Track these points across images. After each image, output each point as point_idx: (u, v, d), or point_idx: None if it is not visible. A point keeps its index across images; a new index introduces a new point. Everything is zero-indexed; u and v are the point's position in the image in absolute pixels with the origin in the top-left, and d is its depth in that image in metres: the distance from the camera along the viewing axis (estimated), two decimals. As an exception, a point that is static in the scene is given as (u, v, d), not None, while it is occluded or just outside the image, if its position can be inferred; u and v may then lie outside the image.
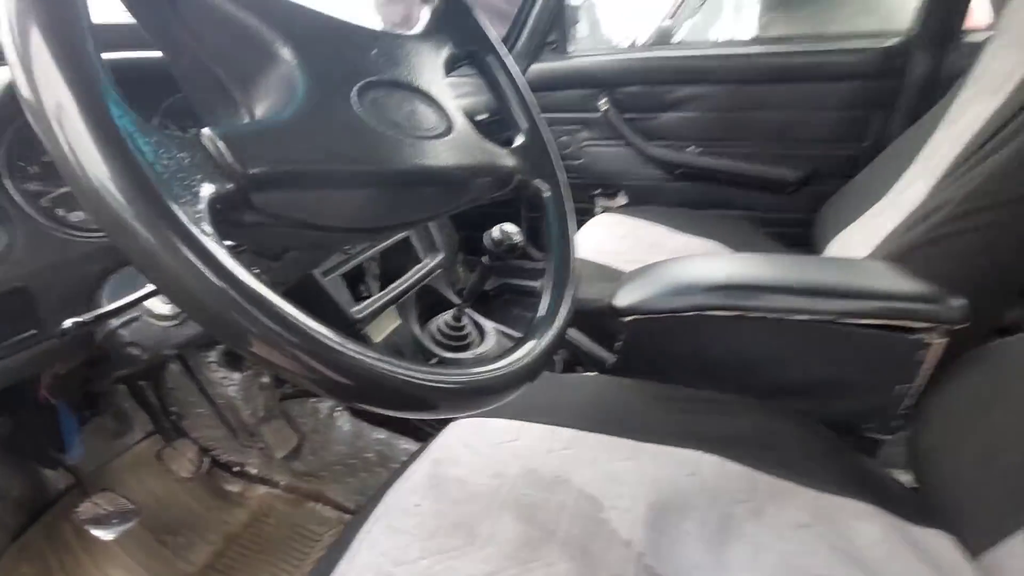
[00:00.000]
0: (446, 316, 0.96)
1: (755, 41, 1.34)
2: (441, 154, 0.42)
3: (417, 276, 0.95)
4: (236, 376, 0.92)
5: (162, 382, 0.90)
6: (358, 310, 0.82)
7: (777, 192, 1.31)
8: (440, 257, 1.01)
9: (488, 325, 0.99)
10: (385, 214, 0.43)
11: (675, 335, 0.67)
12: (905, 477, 0.63)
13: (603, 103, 1.37)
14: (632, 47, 1.51)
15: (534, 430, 0.60)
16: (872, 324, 0.58)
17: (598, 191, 1.52)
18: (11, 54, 0.23)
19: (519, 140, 0.55)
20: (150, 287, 0.44)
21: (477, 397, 0.34)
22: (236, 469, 0.96)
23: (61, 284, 0.46)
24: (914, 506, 0.56)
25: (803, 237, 1.18)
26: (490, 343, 0.97)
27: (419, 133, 0.40)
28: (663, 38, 2.46)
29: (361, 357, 0.28)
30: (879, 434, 0.63)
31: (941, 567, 0.49)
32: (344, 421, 0.94)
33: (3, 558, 0.73)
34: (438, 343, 0.95)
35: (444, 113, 0.44)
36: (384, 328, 0.90)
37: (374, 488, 0.58)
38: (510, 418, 0.61)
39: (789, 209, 1.31)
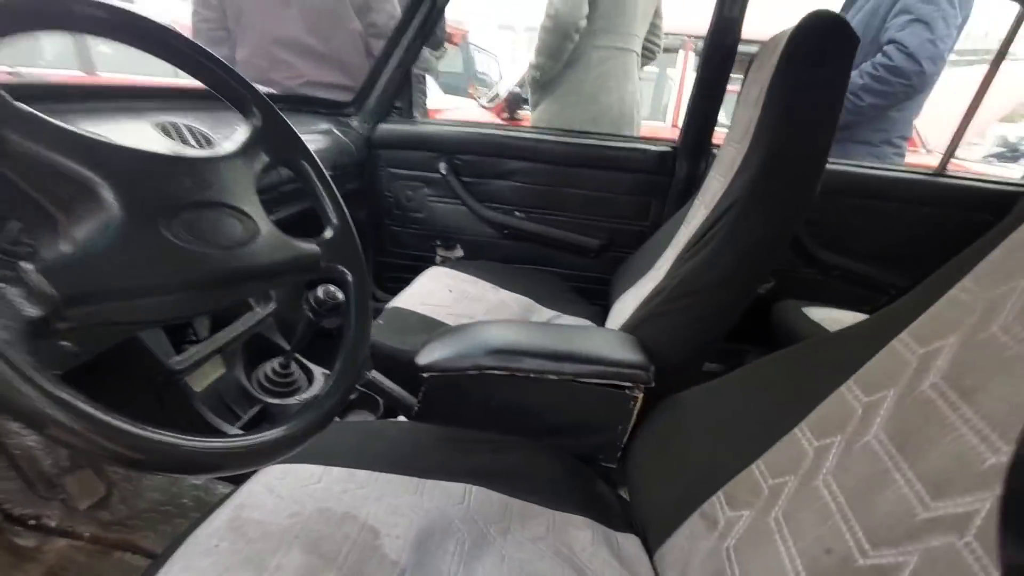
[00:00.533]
0: (273, 363, 1.03)
1: (567, 132, 1.60)
2: (247, 258, 0.53)
3: (247, 326, 1.01)
4: (26, 432, 0.90)
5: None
6: (178, 360, 0.86)
7: (583, 255, 1.58)
8: (272, 307, 1.07)
9: (317, 370, 1.08)
10: (201, 306, 0.53)
11: (463, 388, 0.83)
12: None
13: (443, 167, 1.54)
14: (467, 122, 1.70)
15: (335, 472, 0.70)
16: (598, 382, 0.79)
17: (438, 242, 1.67)
18: None
19: (329, 233, 0.67)
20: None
21: (247, 459, 0.45)
22: (32, 523, 0.92)
23: None
24: (621, 517, 0.76)
25: (601, 293, 1.44)
26: (317, 387, 1.06)
27: (226, 243, 0.51)
28: (515, 101, 2.75)
29: (148, 434, 0.38)
30: (608, 463, 0.84)
31: (629, 563, 0.69)
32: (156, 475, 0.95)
33: None
34: (264, 389, 1.01)
35: (251, 222, 0.55)
36: (208, 376, 0.94)
37: (181, 532, 0.64)
38: (316, 463, 0.71)
39: (592, 270, 1.58)
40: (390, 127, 1.55)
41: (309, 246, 0.63)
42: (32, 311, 0.35)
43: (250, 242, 0.54)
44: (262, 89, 0.79)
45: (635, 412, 0.80)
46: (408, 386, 1.01)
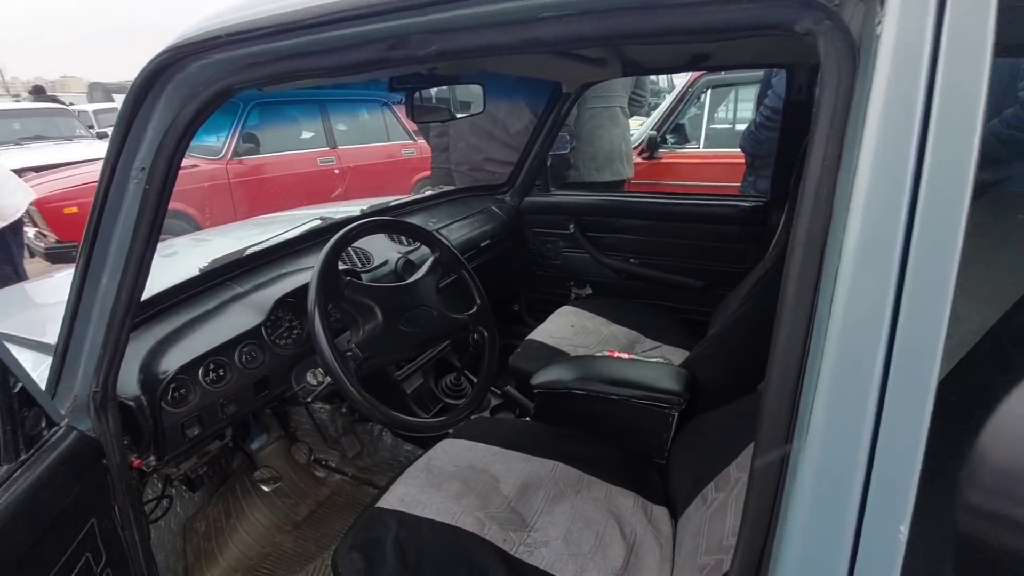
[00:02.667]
0: (450, 376, 1.60)
1: (669, 195, 1.93)
2: (435, 330, 1.06)
3: (434, 354, 1.59)
4: (327, 407, 1.58)
5: (287, 413, 1.57)
6: (399, 375, 1.46)
7: (688, 293, 1.89)
8: (446, 344, 1.65)
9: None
10: (416, 355, 1.08)
11: (559, 400, 1.27)
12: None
13: (572, 226, 1.99)
14: (590, 193, 2.13)
15: (480, 446, 1.20)
16: (644, 403, 1.17)
17: (572, 283, 2.13)
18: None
19: (474, 309, 1.18)
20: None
21: (434, 430, 0.97)
22: (323, 462, 1.62)
23: (276, 372, 1.12)
24: (659, 494, 1.13)
25: (702, 325, 1.74)
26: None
27: (424, 325, 1.05)
28: (652, 144, 3.08)
29: (394, 413, 0.92)
30: (659, 459, 1.21)
31: (656, 524, 1.06)
32: (388, 438, 1.58)
33: (208, 503, 1.39)
34: (445, 393, 1.58)
35: (435, 312, 1.08)
36: (414, 384, 1.54)
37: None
38: (471, 440, 1.22)
39: (696, 304, 1.88)
40: (533, 199, 2.06)
41: (462, 318, 1.15)
42: (358, 360, 0.91)
43: (434, 322, 1.07)
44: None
45: (674, 425, 1.16)
46: (530, 396, 1.49)
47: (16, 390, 0.64)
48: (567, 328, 1.74)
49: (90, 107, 10.61)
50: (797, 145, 1.61)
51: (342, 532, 1.46)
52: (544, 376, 1.29)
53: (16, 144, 5.62)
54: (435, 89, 1.33)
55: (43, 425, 0.69)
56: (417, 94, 1.28)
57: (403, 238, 1.53)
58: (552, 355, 1.59)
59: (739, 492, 0.87)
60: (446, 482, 1.09)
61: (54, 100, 8.29)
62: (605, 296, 2.05)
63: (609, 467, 1.17)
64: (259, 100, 4.35)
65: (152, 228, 0.67)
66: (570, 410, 1.28)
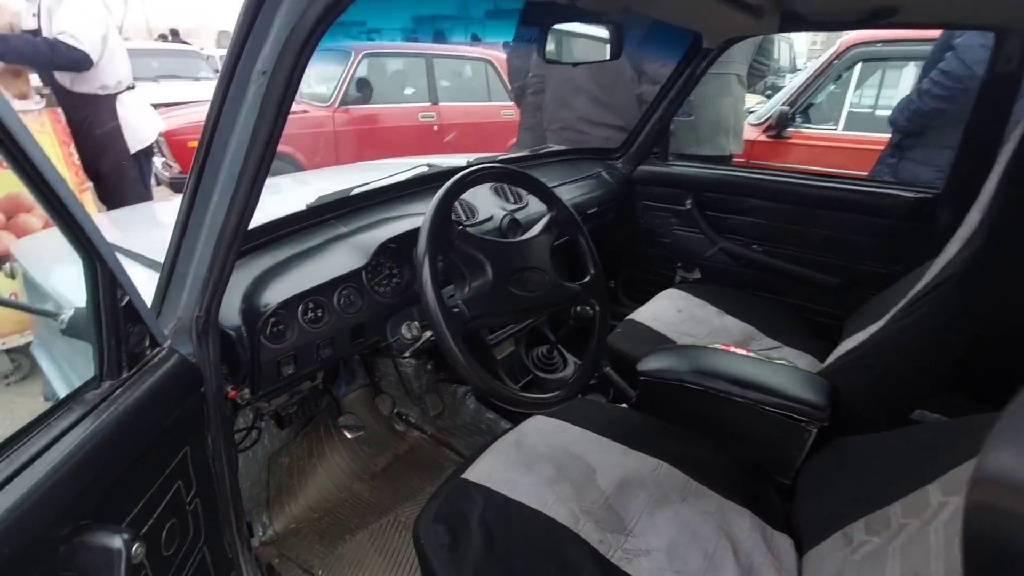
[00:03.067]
0: (543, 348, 1.49)
1: (812, 176, 1.67)
2: (543, 298, 0.95)
3: (528, 322, 1.49)
4: (413, 363, 1.54)
5: (373, 361, 1.54)
6: (491, 339, 1.38)
7: (818, 291, 1.65)
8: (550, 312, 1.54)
9: (571, 359, 1.51)
10: (522, 321, 0.97)
11: (668, 392, 1.13)
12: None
13: (689, 202, 1.80)
14: (714, 165, 1.90)
15: (575, 429, 1.10)
16: (776, 412, 1.00)
17: (679, 264, 1.94)
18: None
19: (587, 278, 1.06)
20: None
21: (532, 407, 0.87)
22: (404, 417, 1.59)
23: (373, 320, 1.06)
24: (780, 520, 0.97)
25: (833, 329, 1.51)
26: (569, 370, 1.49)
27: (534, 290, 0.94)
28: (782, 120, 2.77)
29: (491, 383, 0.82)
30: (783, 479, 1.04)
31: (777, 555, 0.91)
32: (471, 402, 1.52)
33: (293, 440, 1.40)
34: (535, 364, 1.48)
35: (546, 275, 0.97)
36: (505, 350, 1.45)
37: (483, 446, 1.12)
38: (563, 420, 1.12)
39: (826, 306, 1.64)
40: (647, 168, 1.88)
41: (574, 287, 1.02)
42: (464, 318, 0.82)
43: (545, 287, 0.96)
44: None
45: (809, 443, 0.99)
46: (630, 382, 1.35)
47: (123, 304, 0.59)
48: (673, 313, 1.58)
49: (217, 52, 11.36)
50: (995, 128, 1.31)
51: (417, 490, 1.43)
52: (653, 363, 1.15)
53: (153, 80, 6.07)
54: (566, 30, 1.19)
55: (146, 344, 0.66)
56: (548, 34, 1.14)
57: (510, 194, 1.42)
58: (656, 340, 1.44)
59: (906, 542, 0.70)
60: (537, 464, 1.00)
61: (184, 43, 8.92)
62: (716, 283, 1.85)
63: (721, 476, 1.02)
64: (369, 51, 4.38)
65: (268, 142, 0.59)
66: (679, 405, 1.14)
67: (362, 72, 4.34)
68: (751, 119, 3.15)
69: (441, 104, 4.68)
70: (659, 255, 1.97)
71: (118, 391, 0.60)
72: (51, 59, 2.13)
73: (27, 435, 0.52)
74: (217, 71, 8.39)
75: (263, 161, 0.61)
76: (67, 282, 1.06)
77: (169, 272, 0.68)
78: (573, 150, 1.87)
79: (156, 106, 4.36)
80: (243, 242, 0.85)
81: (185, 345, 0.72)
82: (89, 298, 0.57)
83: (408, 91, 4.67)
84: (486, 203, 1.35)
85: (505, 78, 5.02)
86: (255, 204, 0.66)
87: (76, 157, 2.20)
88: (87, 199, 2.30)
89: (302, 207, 1.09)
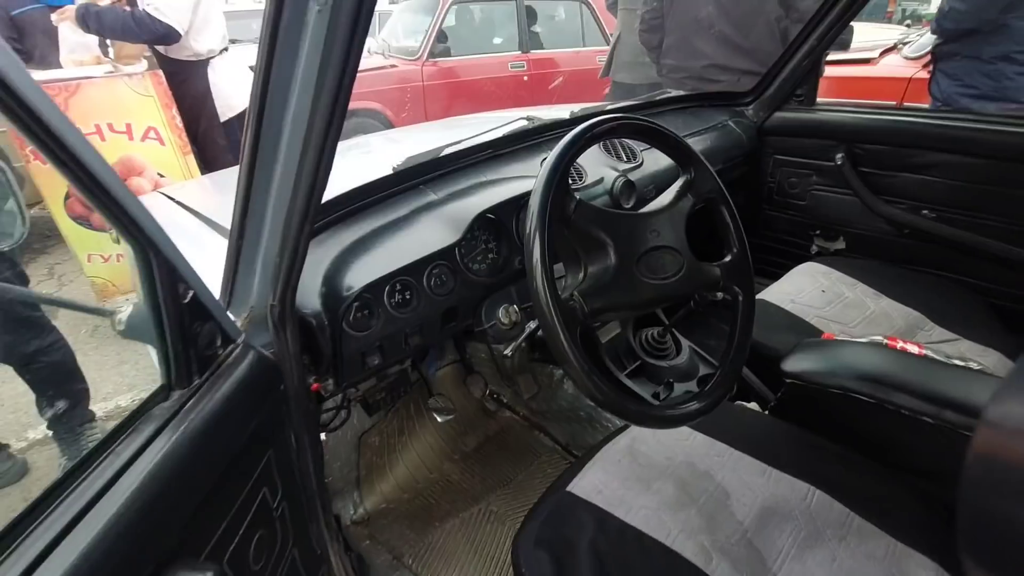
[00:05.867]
0: (653, 331, 1.29)
1: (1010, 117, 1.28)
2: (675, 286, 0.76)
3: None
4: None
5: (465, 340, 1.43)
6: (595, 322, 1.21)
7: (1013, 271, 1.29)
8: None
9: (685, 344, 1.30)
10: (641, 314, 0.79)
11: (824, 402, 0.91)
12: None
13: (839, 156, 1.47)
14: (878, 106, 1.53)
15: (699, 437, 0.92)
16: (985, 440, 0.75)
17: (817, 232, 1.63)
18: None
19: (728, 258, 0.85)
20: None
21: (656, 422, 0.69)
22: (496, 396, 1.48)
23: (465, 302, 0.93)
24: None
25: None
26: (683, 358, 1.29)
27: (664, 276, 0.75)
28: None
29: (614, 397, 0.66)
30: (981, 522, 0.80)
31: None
32: (569, 386, 1.37)
33: (384, 418, 1.33)
34: (644, 350, 1.29)
35: (680, 256, 0.77)
36: (610, 333, 1.28)
37: (579, 433, 0.95)
38: (688, 426, 0.94)
39: (1018, 288, 1.29)
40: (786, 115, 1.56)
41: (714, 270, 0.82)
42: (579, 312, 0.65)
43: (678, 273, 0.76)
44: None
45: None
46: (765, 379, 1.13)
47: (187, 300, 0.49)
48: (815, 293, 1.31)
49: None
50: None
51: (509, 477, 1.33)
52: (804, 362, 0.93)
53: (253, 42, 6.27)
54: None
55: (218, 343, 0.56)
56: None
57: (622, 150, 1.21)
58: (796, 327, 1.20)
59: None
60: (657, 480, 0.83)
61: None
62: (865, 256, 1.53)
63: (892, 512, 0.80)
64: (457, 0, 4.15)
65: (339, 90, 0.45)
66: (836, 417, 0.92)
67: (450, 22, 4.14)
68: (906, 52, 2.60)
69: (532, 53, 4.39)
70: (791, 220, 1.67)
71: (190, 401, 0.51)
72: (138, 33, 2.15)
73: (91, 463, 0.44)
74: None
75: (332, 119, 0.46)
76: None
77: (235, 258, 0.58)
78: (694, 96, 1.59)
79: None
80: (320, 215, 0.73)
81: (260, 337, 0.62)
82: (146, 296, 0.47)
83: (496, 40, 4.41)
84: (594, 163, 1.15)
85: (602, 18, 4.60)
86: (327, 172, 0.52)
87: (179, 120, 2.24)
88: (190, 163, 2.36)
89: (389, 171, 0.96)
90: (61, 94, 1.92)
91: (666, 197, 0.81)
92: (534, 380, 1.43)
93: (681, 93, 1.59)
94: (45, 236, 3.63)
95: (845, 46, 1.99)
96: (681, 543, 0.75)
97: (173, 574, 0.43)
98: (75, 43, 2.22)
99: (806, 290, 1.32)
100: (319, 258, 0.76)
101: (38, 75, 2.01)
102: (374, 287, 0.78)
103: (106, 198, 0.41)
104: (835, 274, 1.36)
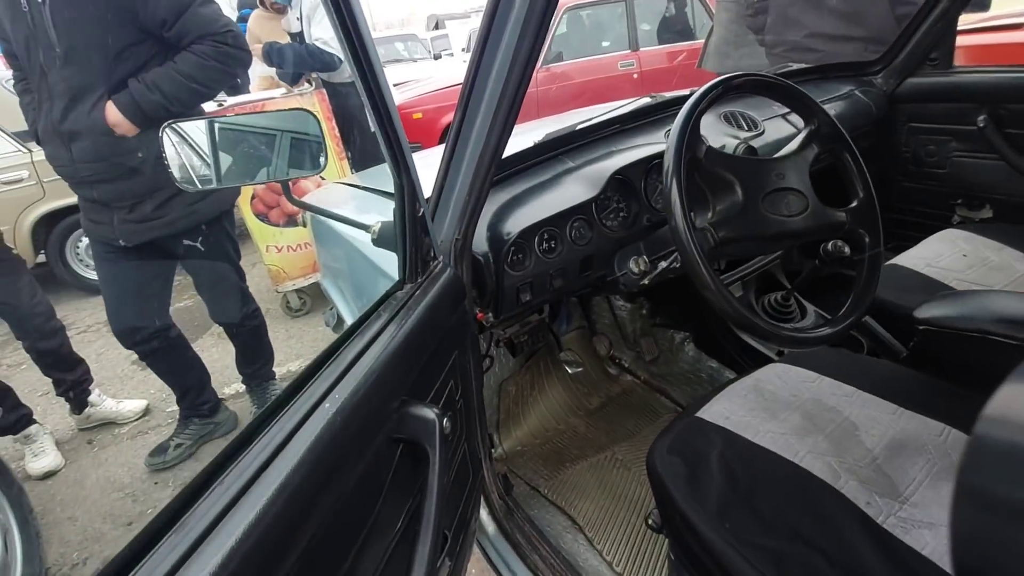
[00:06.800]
0: (777, 295, 1.33)
1: None
2: (799, 223, 0.83)
3: (760, 264, 1.34)
4: (628, 306, 1.52)
5: (589, 302, 1.56)
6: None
7: None
8: (778, 252, 1.37)
9: (810, 308, 1.32)
10: (769, 251, 0.87)
11: (959, 347, 0.91)
12: None
13: (981, 119, 1.40)
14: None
15: (826, 380, 0.96)
16: None
17: (959, 201, 1.55)
18: None
19: (855, 203, 0.90)
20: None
21: (786, 341, 0.77)
22: (617, 360, 1.59)
23: (600, 253, 1.06)
24: None
25: None
26: (808, 321, 1.31)
27: (789, 213, 0.82)
28: None
29: (741, 310, 0.75)
30: None
31: None
32: (690, 348, 1.45)
33: (518, 372, 1.50)
34: (766, 312, 1.34)
35: (804, 198, 0.84)
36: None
37: (699, 395, 1.02)
38: (811, 370, 0.99)
39: None
40: (919, 80, 1.51)
41: (839, 214, 0.88)
42: (710, 242, 0.76)
43: (803, 212, 0.84)
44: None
45: None
46: (895, 335, 1.13)
47: (419, 214, 0.67)
48: (956, 257, 1.27)
49: (428, 35, 12.48)
50: None
51: (633, 431, 1.43)
52: (938, 309, 0.94)
53: (389, 63, 6.95)
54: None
55: (431, 255, 0.74)
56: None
57: (743, 120, 1.28)
58: (932, 288, 1.18)
59: None
60: (783, 411, 0.90)
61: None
62: (1015, 223, 1.44)
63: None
64: (572, 5, 4.33)
65: (527, 63, 0.61)
66: (972, 362, 0.92)
67: (562, 28, 4.33)
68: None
69: (642, 50, 4.44)
70: (930, 190, 1.60)
71: (416, 293, 0.68)
72: (310, 64, 2.59)
73: (360, 327, 0.63)
74: (431, 52, 9.27)
75: (521, 84, 0.62)
76: (348, 214, 1.27)
77: (438, 195, 0.76)
78: (817, 68, 1.59)
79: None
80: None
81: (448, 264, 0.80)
82: (397, 206, 0.65)
83: (605, 42, 4.53)
84: (714, 131, 1.23)
85: (712, 9, 4.53)
86: (510, 131, 0.68)
87: (336, 130, 2.63)
88: (344, 166, 2.74)
89: (529, 144, 1.12)
90: (251, 112, 2.37)
91: (791, 146, 0.89)
92: (655, 344, 1.52)
93: (803, 66, 1.60)
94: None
95: (984, 6, 1.84)
96: (809, 462, 0.81)
97: (411, 406, 0.60)
98: (260, 72, 2.72)
99: (945, 255, 1.28)
100: (485, 210, 0.94)
101: (239, 98, 2.49)
102: (527, 233, 0.94)
103: (391, 131, 0.60)
104: (978, 239, 1.30)
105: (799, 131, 0.95)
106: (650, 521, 0.95)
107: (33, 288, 1.90)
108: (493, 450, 1.38)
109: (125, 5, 1.30)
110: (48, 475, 1.92)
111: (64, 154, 1.41)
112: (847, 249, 0.98)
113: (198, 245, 1.57)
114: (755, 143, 1.22)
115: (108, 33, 1.31)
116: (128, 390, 2.33)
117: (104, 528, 1.70)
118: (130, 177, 1.43)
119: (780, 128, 1.27)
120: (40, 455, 1.95)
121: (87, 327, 2.44)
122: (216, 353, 2.52)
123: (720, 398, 0.96)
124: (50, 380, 2.03)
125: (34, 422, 1.96)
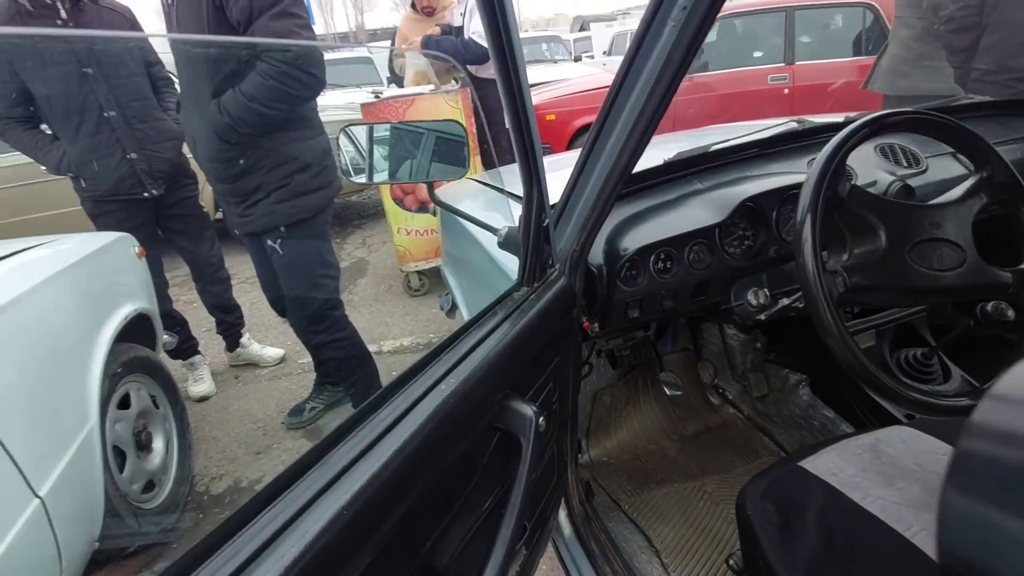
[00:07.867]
0: (917, 351, 1.20)
1: None
2: (951, 279, 0.75)
3: (900, 315, 1.22)
4: (741, 336, 1.45)
5: (699, 326, 1.51)
6: (850, 326, 1.18)
7: None
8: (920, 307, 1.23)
9: (955, 371, 1.18)
10: (911, 305, 0.80)
11: None
12: None
13: None
14: None
15: (960, 455, 0.86)
16: None
17: None
18: None
19: (1023, 265, 0.79)
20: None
21: (915, 405, 0.71)
22: (721, 390, 1.53)
23: (717, 280, 1.03)
24: None
25: None
26: (952, 386, 1.17)
27: (940, 268, 0.75)
28: None
29: (866, 364, 0.70)
30: None
31: None
32: (804, 393, 1.35)
33: (615, 384, 1.50)
34: (902, 370, 1.21)
35: (962, 252, 0.76)
36: (864, 343, 1.23)
37: (806, 443, 0.95)
38: (942, 439, 0.89)
39: None
40: None
41: (1003, 274, 0.78)
42: (840, 287, 0.72)
43: (957, 268, 0.76)
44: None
45: None
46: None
47: (544, 224, 0.72)
48: None
49: (572, 36, 12.58)
50: None
51: (728, 466, 1.37)
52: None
53: (532, 64, 7.16)
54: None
55: (550, 262, 0.78)
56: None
57: (902, 155, 1.16)
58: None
59: None
60: (901, 480, 0.82)
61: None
62: None
63: None
64: (728, 14, 4.14)
65: (671, 83, 0.62)
66: None
67: (711, 37, 4.15)
68: None
69: (797, 64, 4.12)
70: None
71: (532, 296, 0.73)
72: (464, 56, 2.74)
73: (477, 322, 0.69)
74: (571, 54, 9.34)
75: (662, 102, 0.64)
76: (476, 212, 1.36)
77: (563, 205, 0.79)
78: (1004, 103, 1.40)
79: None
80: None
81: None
82: (524, 214, 0.70)
83: (757, 53, 4.26)
84: (866, 164, 1.14)
85: (889, 24, 4.07)
86: (643, 149, 0.70)
87: (475, 127, 2.78)
88: (476, 162, 2.89)
89: (659, 162, 1.12)
90: (403, 105, 2.58)
91: (954, 194, 0.80)
92: (766, 381, 1.45)
93: (985, 99, 1.41)
94: (362, 216, 4.76)
95: None
96: (922, 540, 0.74)
97: (512, 400, 0.64)
98: (414, 66, 2.95)
99: None
100: (606, 224, 0.96)
101: (392, 92, 2.74)
102: (643, 252, 0.94)
103: (528, 141, 0.65)
104: None
105: (969, 174, 0.85)
106: (731, 562, 0.92)
107: (213, 240, 2.25)
108: (580, 456, 1.41)
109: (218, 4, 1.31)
110: (203, 399, 2.28)
111: (192, 148, 1.61)
112: (1011, 312, 0.86)
113: (277, 247, 1.59)
114: (914, 182, 1.11)
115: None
116: (271, 338, 2.68)
117: (238, 452, 1.98)
118: (225, 182, 1.54)
119: (947, 167, 1.14)
120: (199, 381, 2.31)
121: (245, 279, 2.84)
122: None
123: (830, 451, 0.90)
124: (213, 319, 2.39)
125: (198, 352, 2.33)
